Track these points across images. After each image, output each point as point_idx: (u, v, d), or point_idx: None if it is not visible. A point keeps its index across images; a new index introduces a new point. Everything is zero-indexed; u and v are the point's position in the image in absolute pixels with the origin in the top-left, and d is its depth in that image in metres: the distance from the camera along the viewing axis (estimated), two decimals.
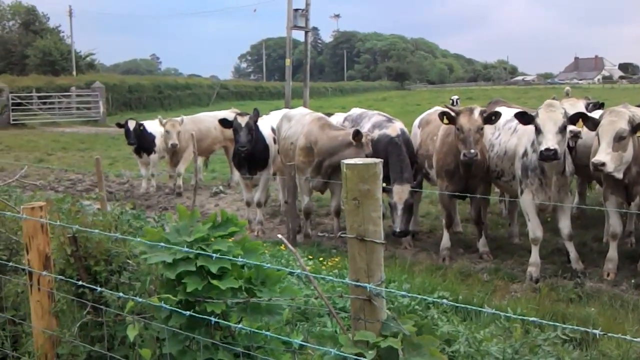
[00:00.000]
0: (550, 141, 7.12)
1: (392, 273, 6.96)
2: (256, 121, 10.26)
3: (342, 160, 2.81)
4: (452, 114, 8.26)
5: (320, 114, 10.35)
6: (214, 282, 2.97)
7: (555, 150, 7.09)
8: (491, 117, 8.21)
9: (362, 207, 2.72)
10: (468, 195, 8.64)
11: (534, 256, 7.91)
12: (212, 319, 2.83)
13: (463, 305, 3.08)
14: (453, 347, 4.51)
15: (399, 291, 5.11)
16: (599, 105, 10.15)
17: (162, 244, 2.98)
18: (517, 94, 60.43)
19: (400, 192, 8.68)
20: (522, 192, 7.98)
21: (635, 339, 2.22)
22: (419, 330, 2.74)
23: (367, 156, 8.58)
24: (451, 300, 5.95)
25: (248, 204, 10.98)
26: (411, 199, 8.81)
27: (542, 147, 7.14)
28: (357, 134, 8.78)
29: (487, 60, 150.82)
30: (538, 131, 7.31)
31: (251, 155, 10.22)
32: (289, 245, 2.91)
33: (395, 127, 9.29)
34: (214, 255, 2.91)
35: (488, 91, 68.06)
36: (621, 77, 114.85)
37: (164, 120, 13.82)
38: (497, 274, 7.99)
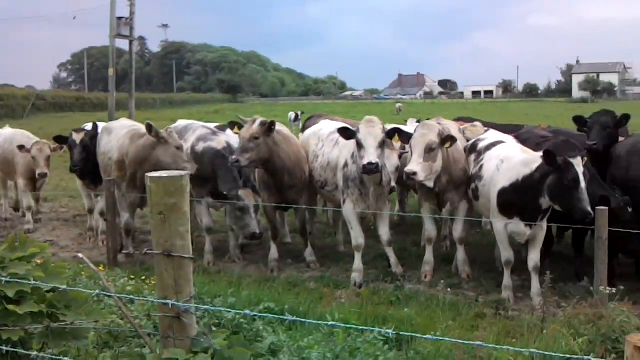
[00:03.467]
0: (372, 155, 7.50)
1: (218, 287, 6.91)
2: (94, 136, 9.90)
3: (147, 174, 2.76)
4: (243, 124, 8.45)
5: (135, 125, 10.03)
6: (11, 307, 2.78)
7: (377, 164, 7.49)
8: (271, 128, 8.37)
9: (169, 222, 2.68)
10: (293, 206, 8.86)
11: (357, 262, 8.26)
12: (4, 348, 2.64)
13: (279, 317, 3.13)
14: (278, 357, 4.57)
15: (218, 307, 5.07)
16: None
17: None
18: (346, 108, 62.89)
19: (248, 194, 8.72)
20: (344, 202, 8.31)
21: (429, 337, 2.37)
22: (231, 344, 2.75)
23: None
24: (277, 310, 6.00)
25: (90, 211, 10.82)
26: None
27: (365, 161, 7.49)
28: (150, 128, 8.63)
29: (318, 75, 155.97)
30: (360, 146, 7.66)
31: (91, 170, 10.04)
32: (91, 265, 2.79)
33: (221, 140, 9.26)
34: (4, 278, 2.72)
35: (319, 105, 70.17)
36: (441, 93, 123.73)
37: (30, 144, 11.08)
38: (324, 282, 8.21)
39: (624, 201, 7.43)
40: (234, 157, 8.16)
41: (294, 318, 2.62)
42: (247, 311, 2.73)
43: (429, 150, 7.66)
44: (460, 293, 7.88)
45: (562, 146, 8.12)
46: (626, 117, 8.85)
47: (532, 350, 3.88)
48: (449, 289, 7.91)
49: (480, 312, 7.08)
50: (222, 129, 9.98)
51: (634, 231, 6.96)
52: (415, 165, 7.60)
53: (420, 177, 7.61)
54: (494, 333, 6.10)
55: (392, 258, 8.47)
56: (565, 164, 6.84)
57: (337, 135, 8.35)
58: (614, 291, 5.64)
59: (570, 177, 6.78)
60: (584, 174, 6.87)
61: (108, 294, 2.75)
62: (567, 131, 10.10)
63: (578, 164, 6.85)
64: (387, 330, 2.27)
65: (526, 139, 8.92)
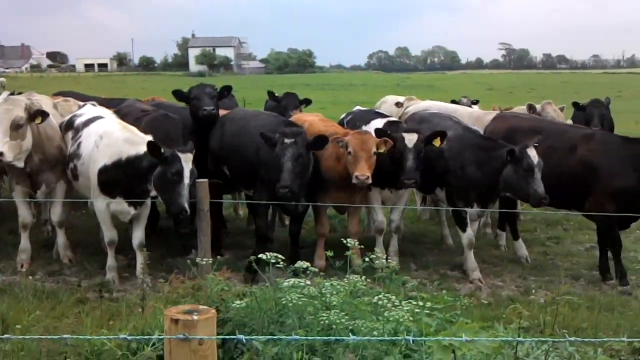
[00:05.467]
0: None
1: None
2: None
3: None
4: None
5: None
6: None
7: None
8: None
9: None
10: None
11: None
12: None
13: None
14: None
15: None
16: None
17: None
18: None
19: None
20: None
21: None
22: None
23: None
24: None
25: None
26: None
27: None
28: None
29: None
30: None
31: None
32: None
33: None
34: None
35: None
36: (50, 66, 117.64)
37: None
38: None
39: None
40: None
41: None
42: None
43: (16, 127, 7.31)
44: (62, 279, 7.75)
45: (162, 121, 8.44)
46: (227, 89, 9.49)
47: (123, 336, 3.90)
48: (50, 276, 7.77)
49: (82, 297, 7.08)
50: None
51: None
52: (2, 144, 7.18)
53: (8, 157, 7.25)
54: (95, 317, 6.06)
55: None
56: (172, 157, 7.03)
57: None
58: (211, 261, 5.98)
59: (174, 171, 6.99)
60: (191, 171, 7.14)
61: None
62: (170, 104, 10.44)
63: (187, 159, 7.08)
64: None
65: (127, 113, 9.01)
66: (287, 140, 7.44)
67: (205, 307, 2.44)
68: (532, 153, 7.62)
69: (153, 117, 8.61)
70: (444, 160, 8.26)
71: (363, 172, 7.66)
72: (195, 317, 2.37)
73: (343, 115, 10.51)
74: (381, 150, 7.97)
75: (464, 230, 8.34)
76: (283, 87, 51.09)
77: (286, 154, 7.39)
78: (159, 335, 3.79)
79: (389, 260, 4.84)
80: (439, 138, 8.00)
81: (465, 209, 8.22)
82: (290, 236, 8.46)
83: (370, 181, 7.74)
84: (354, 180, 7.71)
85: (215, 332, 2.47)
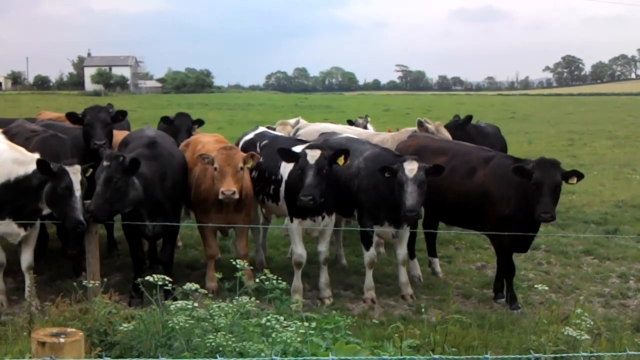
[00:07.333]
0: None
1: None
2: None
3: None
4: None
5: None
6: None
7: None
8: None
9: None
10: None
11: None
12: None
13: None
14: None
15: None
16: None
17: None
18: None
19: None
20: None
21: None
22: None
23: None
24: None
25: None
26: None
27: None
28: None
29: None
30: None
31: None
32: None
33: None
34: None
35: None
36: None
37: None
38: None
39: None
40: None
41: None
42: None
43: None
44: None
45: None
46: (122, 114, 9.45)
47: None
48: None
49: None
50: None
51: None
52: None
53: None
54: None
55: None
56: (61, 171, 6.95)
57: None
58: (98, 284, 5.87)
59: (63, 185, 6.91)
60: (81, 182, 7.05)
61: None
62: (61, 125, 10.20)
63: (75, 171, 6.99)
64: None
65: (16, 134, 8.80)
66: (104, 163, 7.26)
67: (73, 329, 2.45)
68: (410, 167, 7.64)
69: (42, 138, 8.49)
70: (359, 180, 8.26)
71: (229, 187, 7.59)
72: (62, 340, 2.38)
73: (248, 137, 9.92)
74: (249, 165, 7.98)
75: (367, 249, 8.42)
76: (180, 106, 50.48)
77: (100, 176, 7.21)
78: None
79: (279, 281, 4.89)
80: (342, 156, 7.86)
81: (372, 228, 8.29)
82: (161, 262, 8.41)
83: (237, 196, 7.67)
84: (220, 196, 7.64)
85: (82, 355, 2.49)
